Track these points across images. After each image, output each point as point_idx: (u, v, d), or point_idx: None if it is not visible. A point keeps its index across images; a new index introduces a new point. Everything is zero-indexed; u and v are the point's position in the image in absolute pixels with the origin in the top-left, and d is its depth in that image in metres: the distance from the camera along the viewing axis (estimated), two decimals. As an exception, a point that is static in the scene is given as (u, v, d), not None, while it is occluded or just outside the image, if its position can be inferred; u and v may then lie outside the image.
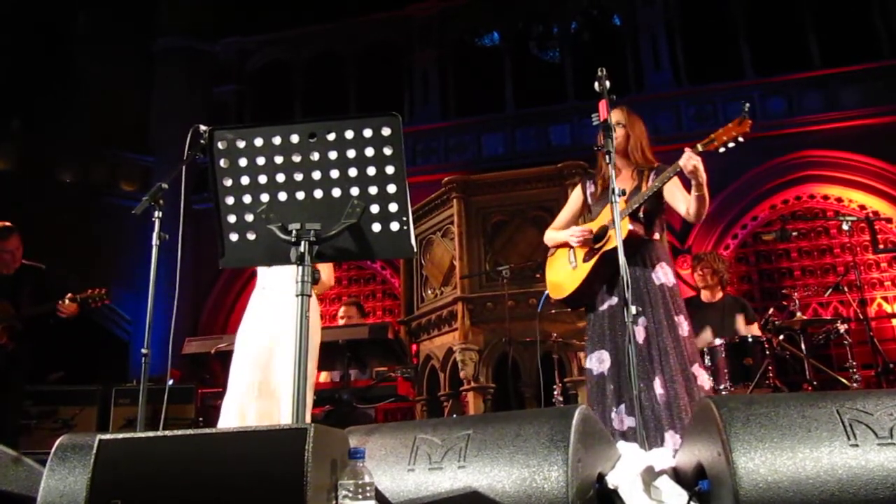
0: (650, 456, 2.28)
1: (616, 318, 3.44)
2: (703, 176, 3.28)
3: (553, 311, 5.85)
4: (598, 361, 3.47)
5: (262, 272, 3.90)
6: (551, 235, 3.87)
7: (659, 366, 3.28)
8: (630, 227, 3.41)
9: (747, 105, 3.19)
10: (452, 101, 13.51)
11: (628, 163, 3.66)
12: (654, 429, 3.18)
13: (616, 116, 3.60)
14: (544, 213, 6.64)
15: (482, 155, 12.71)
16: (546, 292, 3.95)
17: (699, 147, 3.27)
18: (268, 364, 3.65)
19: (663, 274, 3.49)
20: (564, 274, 3.71)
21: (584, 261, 3.59)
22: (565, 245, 3.74)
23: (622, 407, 3.29)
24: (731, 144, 3.22)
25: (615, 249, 3.31)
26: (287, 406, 3.44)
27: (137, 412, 3.09)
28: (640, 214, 3.53)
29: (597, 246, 3.54)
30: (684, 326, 3.42)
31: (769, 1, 12.28)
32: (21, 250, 5.43)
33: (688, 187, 3.42)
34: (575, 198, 3.94)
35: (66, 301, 5.11)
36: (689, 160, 3.22)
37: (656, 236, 3.60)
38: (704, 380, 3.40)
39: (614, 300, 3.48)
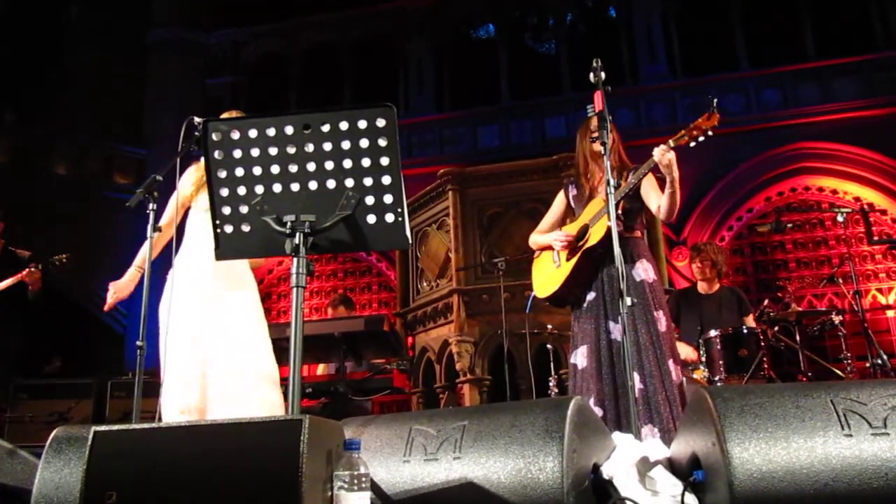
0: (645, 446, 2.29)
1: (594, 313, 3.53)
2: (677, 172, 3.32)
3: (547, 303, 5.86)
4: (582, 356, 3.54)
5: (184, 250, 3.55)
6: (535, 239, 3.94)
7: (637, 361, 3.32)
8: (609, 223, 3.44)
9: (715, 100, 3.27)
10: (448, 93, 13.49)
11: (612, 166, 3.73)
12: (629, 422, 3.20)
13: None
14: (540, 205, 6.64)
15: (478, 147, 12.70)
16: (533, 293, 4.03)
17: (671, 143, 3.32)
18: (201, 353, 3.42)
19: (643, 270, 3.55)
20: (549, 273, 3.79)
21: (567, 259, 3.67)
22: (549, 248, 3.81)
23: (591, 399, 3.37)
24: (701, 138, 3.29)
25: (595, 247, 3.44)
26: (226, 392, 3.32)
27: (133, 405, 3.08)
28: (619, 211, 3.56)
29: (578, 244, 3.62)
30: (662, 322, 3.47)
31: (764, -8, 12.30)
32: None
33: (662, 185, 3.47)
34: (558, 202, 4.00)
35: (30, 269, 5.23)
36: (664, 155, 3.27)
37: (637, 233, 3.67)
38: (677, 374, 3.45)
39: (592, 295, 3.57)
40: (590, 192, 3.75)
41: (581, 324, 3.61)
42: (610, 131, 3.69)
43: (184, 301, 3.46)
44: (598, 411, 3.34)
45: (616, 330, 3.43)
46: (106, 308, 3.70)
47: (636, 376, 3.27)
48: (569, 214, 3.93)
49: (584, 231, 3.63)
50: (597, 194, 3.68)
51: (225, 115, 3.60)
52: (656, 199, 3.55)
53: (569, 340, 6.09)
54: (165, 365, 3.38)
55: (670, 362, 3.39)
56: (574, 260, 3.60)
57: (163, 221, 3.50)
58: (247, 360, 3.40)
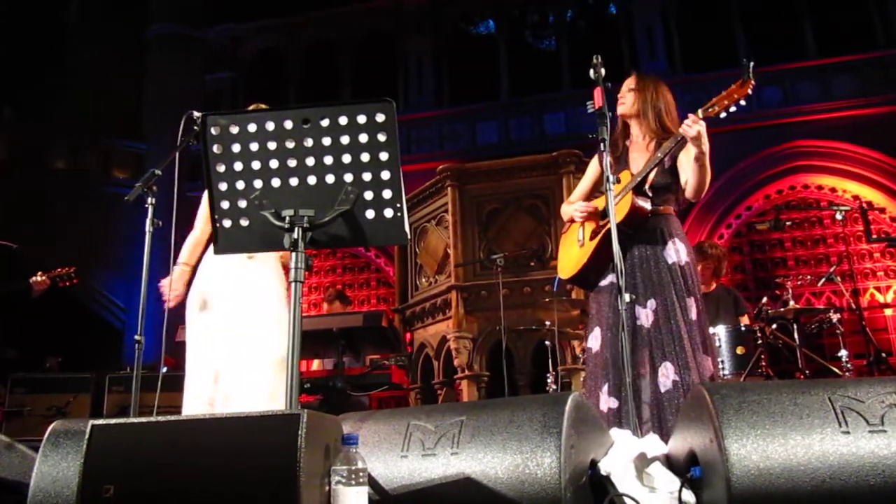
0: (643, 443, 2.29)
1: (613, 295, 3.23)
2: (707, 145, 3.10)
3: (546, 300, 5.86)
4: (594, 339, 3.33)
5: None
6: (564, 209, 3.70)
7: (673, 352, 3.09)
8: (637, 202, 3.26)
9: (752, 63, 3.03)
10: (447, 90, 13.49)
11: (647, 131, 3.48)
12: (657, 417, 3.02)
13: (627, 83, 3.51)
14: (539, 201, 6.66)
15: (477, 143, 12.70)
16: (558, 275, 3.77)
17: (700, 113, 3.10)
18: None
19: (675, 251, 3.28)
20: (572, 252, 3.55)
21: (591, 239, 3.43)
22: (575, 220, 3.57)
23: (605, 388, 3.16)
24: (732, 108, 3.07)
25: (617, 227, 3.04)
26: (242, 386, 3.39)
27: (131, 399, 3.08)
28: (647, 188, 3.33)
29: (602, 223, 3.37)
30: (693, 310, 3.22)
31: (765, -10, 12.29)
32: None
33: None
34: (592, 169, 3.69)
35: (38, 277, 5.28)
36: (692, 126, 3.05)
37: (669, 209, 3.40)
38: (706, 367, 3.18)
39: (614, 278, 3.23)
40: (618, 161, 3.48)
41: (598, 305, 3.37)
42: (643, 90, 3.47)
43: (213, 294, 3.60)
44: (614, 402, 3.11)
45: (643, 315, 3.19)
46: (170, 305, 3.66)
47: (670, 367, 3.07)
48: (602, 183, 3.63)
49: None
50: (628, 163, 3.44)
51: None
52: (686, 174, 3.30)
53: (567, 337, 6.14)
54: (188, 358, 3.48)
55: (701, 353, 3.14)
56: (597, 240, 3.35)
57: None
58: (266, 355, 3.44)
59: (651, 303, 3.21)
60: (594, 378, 3.27)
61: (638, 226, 3.29)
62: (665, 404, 3.04)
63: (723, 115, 3.10)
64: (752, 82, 3.03)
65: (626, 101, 3.50)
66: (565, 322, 6.09)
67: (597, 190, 3.68)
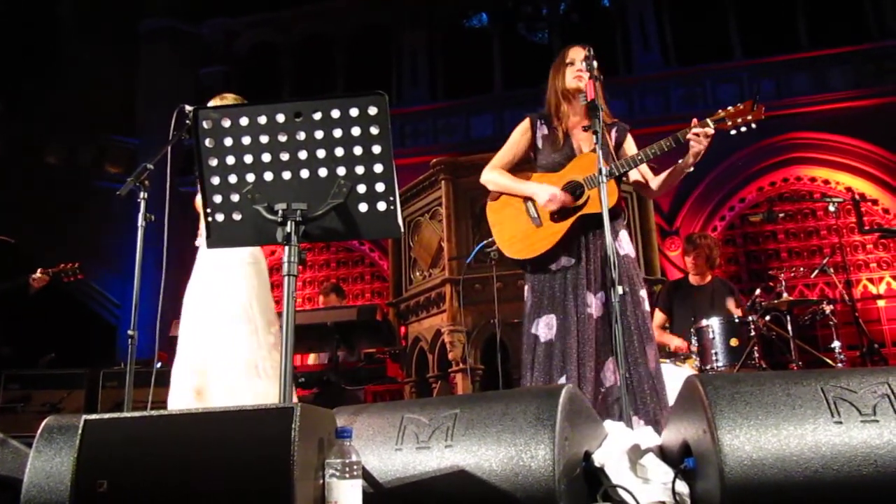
0: (636, 434, 2.30)
1: (571, 282, 3.17)
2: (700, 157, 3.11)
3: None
4: (546, 327, 3.16)
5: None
6: (498, 180, 3.46)
7: (622, 346, 2.98)
8: (620, 191, 3.23)
9: (758, 87, 3.09)
10: (441, 83, 13.46)
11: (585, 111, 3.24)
12: (608, 411, 2.99)
13: (583, 53, 3.34)
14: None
15: (471, 137, 12.67)
16: (483, 242, 3.58)
17: (709, 122, 3.07)
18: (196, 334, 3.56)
19: (627, 242, 3.27)
20: (525, 230, 3.31)
21: (554, 220, 3.24)
22: (517, 196, 3.37)
23: (563, 380, 3.03)
24: (743, 129, 3.09)
25: (598, 214, 2.97)
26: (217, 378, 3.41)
27: (125, 395, 3.08)
28: (624, 179, 3.31)
29: (573, 206, 3.23)
30: (646, 302, 3.18)
31: (758, -18, 12.29)
32: None
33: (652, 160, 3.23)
34: (522, 137, 3.55)
35: (38, 274, 5.26)
36: (703, 141, 3.05)
37: None
38: (656, 360, 3.14)
39: (571, 261, 3.20)
40: (564, 137, 3.36)
41: (549, 290, 3.21)
42: (592, 63, 3.23)
43: (192, 290, 3.68)
44: None
45: (594, 305, 3.12)
46: None
47: (611, 365, 3.05)
48: (533, 152, 3.52)
49: (574, 188, 3.24)
50: (574, 139, 3.32)
51: (216, 100, 3.67)
52: (649, 173, 3.33)
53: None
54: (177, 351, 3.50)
55: (652, 345, 3.12)
56: (569, 222, 3.20)
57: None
58: (234, 351, 3.45)
59: (601, 294, 3.17)
60: (547, 369, 3.12)
61: (615, 215, 3.21)
62: (609, 399, 3.04)
63: (733, 132, 3.12)
64: (763, 107, 3.06)
65: (585, 76, 3.28)
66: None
67: (522, 161, 3.55)
